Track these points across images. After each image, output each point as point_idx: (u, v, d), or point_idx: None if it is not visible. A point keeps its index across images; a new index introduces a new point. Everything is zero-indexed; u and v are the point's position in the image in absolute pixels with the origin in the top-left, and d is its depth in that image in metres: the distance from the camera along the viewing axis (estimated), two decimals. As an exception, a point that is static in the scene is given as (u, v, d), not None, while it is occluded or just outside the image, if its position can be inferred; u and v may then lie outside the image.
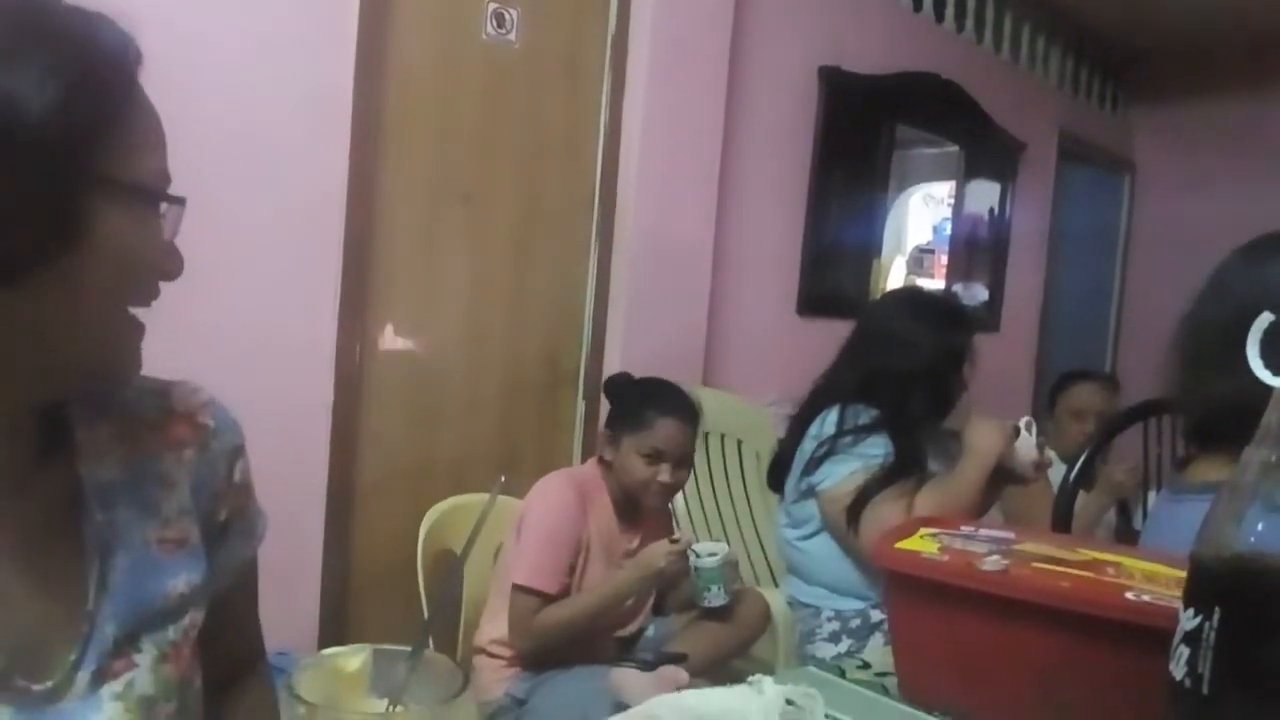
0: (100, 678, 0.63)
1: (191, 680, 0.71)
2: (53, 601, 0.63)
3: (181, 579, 0.69)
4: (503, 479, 0.59)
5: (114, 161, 0.57)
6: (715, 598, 1.88)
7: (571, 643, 1.80)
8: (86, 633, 0.63)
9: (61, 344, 0.59)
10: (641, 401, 1.90)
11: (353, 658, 0.53)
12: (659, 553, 1.79)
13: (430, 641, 0.73)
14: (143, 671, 0.66)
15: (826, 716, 0.61)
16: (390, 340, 2.46)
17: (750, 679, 0.49)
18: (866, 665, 0.95)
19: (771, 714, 0.46)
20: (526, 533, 1.79)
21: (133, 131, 0.59)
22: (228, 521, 0.76)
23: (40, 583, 0.63)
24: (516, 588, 1.75)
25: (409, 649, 0.53)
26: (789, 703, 0.47)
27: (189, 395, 0.75)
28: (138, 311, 0.63)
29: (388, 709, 0.50)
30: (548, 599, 1.75)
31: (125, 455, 0.69)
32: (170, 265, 0.63)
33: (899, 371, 1.88)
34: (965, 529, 0.99)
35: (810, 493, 1.91)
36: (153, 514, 0.69)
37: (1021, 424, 1.84)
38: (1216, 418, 1.07)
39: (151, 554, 0.68)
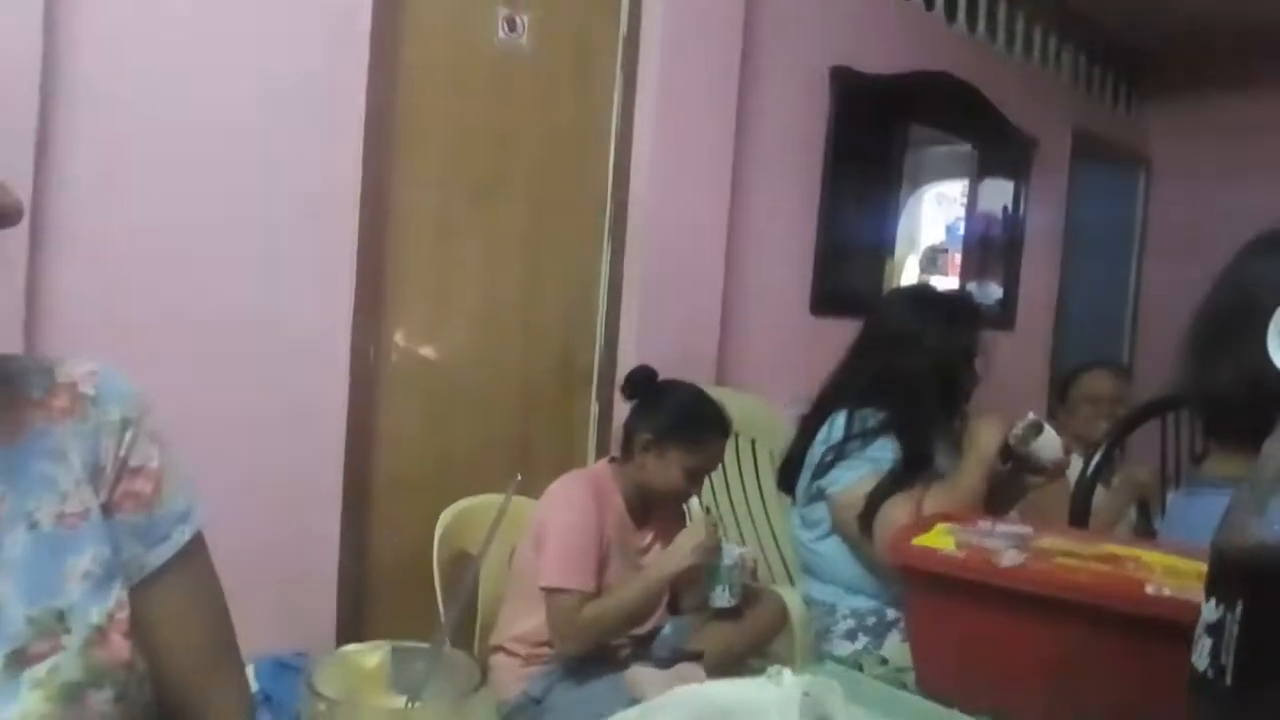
0: (16, 662, 0.61)
1: (130, 666, 0.67)
2: None
3: (87, 555, 0.66)
4: (519, 478, 0.59)
5: None
6: (720, 598, 1.89)
7: (612, 639, 1.80)
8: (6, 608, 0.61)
9: None
10: (693, 416, 1.89)
11: (372, 654, 0.53)
12: (693, 538, 1.80)
13: (448, 638, 0.72)
14: (70, 655, 0.63)
15: (850, 716, 0.60)
16: (405, 339, 2.47)
17: (768, 670, 0.48)
18: (885, 661, 0.95)
19: (790, 705, 0.45)
20: (550, 536, 1.78)
21: None
22: (114, 505, 0.70)
23: None
24: (552, 592, 1.74)
25: (428, 646, 0.53)
26: (806, 694, 0.47)
27: (74, 366, 0.72)
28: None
29: (407, 705, 0.50)
30: (586, 597, 1.75)
31: (14, 432, 0.66)
32: None
33: (907, 370, 1.87)
34: (983, 524, 0.98)
35: (820, 496, 1.90)
36: (49, 489, 0.66)
37: (1029, 419, 1.83)
38: (1231, 411, 1.06)
39: (53, 529, 0.65)
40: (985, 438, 1.80)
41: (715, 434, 1.89)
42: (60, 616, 0.63)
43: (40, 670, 0.61)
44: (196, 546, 0.75)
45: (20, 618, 0.61)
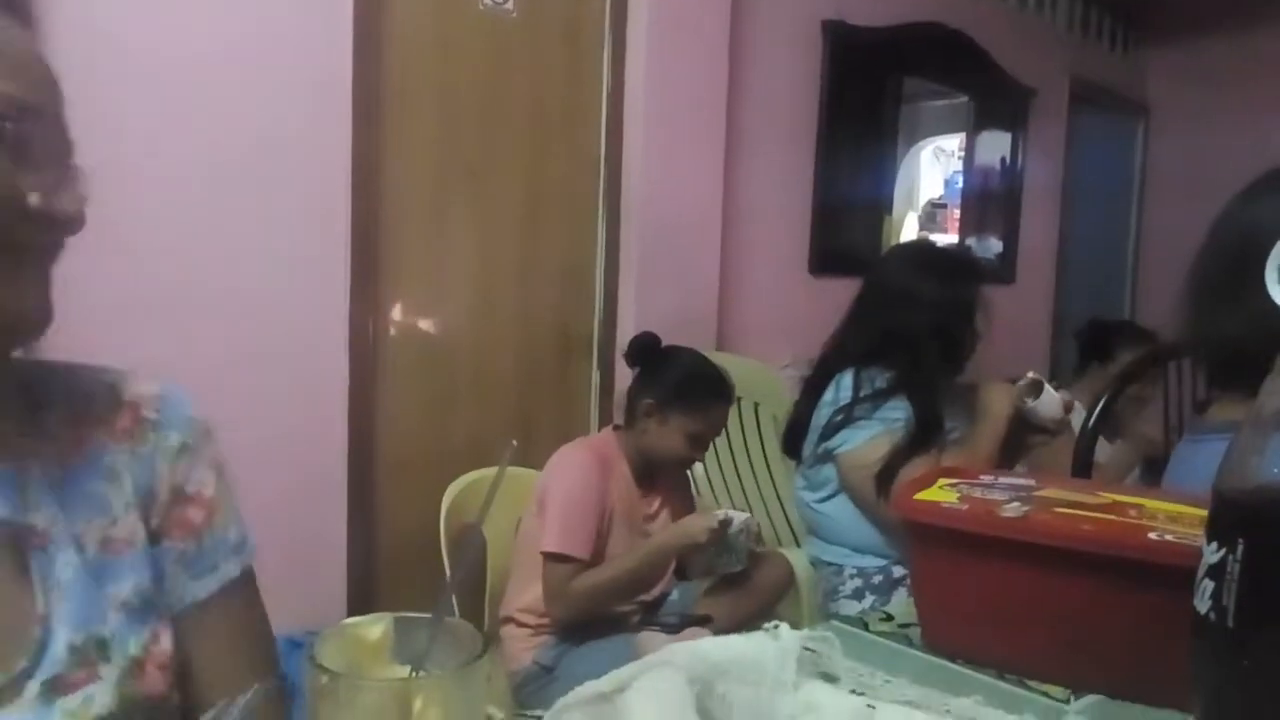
0: (53, 689, 0.59)
1: (164, 701, 0.65)
2: (3, 603, 0.59)
3: (128, 583, 0.64)
4: (514, 444, 0.59)
5: None
6: (727, 564, 1.90)
7: (605, 609, 1.81)
8: (40, 638, 0.59)
9: None
10: (694, 381, 1.89)
11: (374, 626, 0.53)
12: (701, 527, 1.80)
13: (455, 606, 0.72)
14: (105, 686, 0.61)
15: (863, 688, 0.60)
16: (403, 317, 2.46)
17: (766, 626, 0.48)
18: (889, 618, 0.95)
19: (788, 659, 0.45)
20: (551, 502, 1.79)
21: None
22: (162, 531, 0.68)
23: None
24: (549, 556, 1.76)
25: (429, 616, 0.53)
26: (806, 648, 0.47)
27: (140, 385, 0.70)
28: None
29: (410, 675, 0.50)
30: (581, 564, 1.76)
31: (73, 446, 0.65)
32: (33, 202, 0.57)
33: (909, 328, 1.86)
34: (985, 478, 0.98)
35: (828, 457, 1.90)
36: (101, 510, 0.64)
37: (1029, 378, 1.83)
38: (1234, 356, 1.06)
39: (98, 554, 0.63)
40: (997, 402, 1.81)
41: (716, 399, 1.89)
42: (102, 645, 0.61)
43: (75, 700, 0.60)
44: (245, 580, 0.73)
45: (64, 644, 0.60)
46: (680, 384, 1.88)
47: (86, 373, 0.70)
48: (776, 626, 0.48)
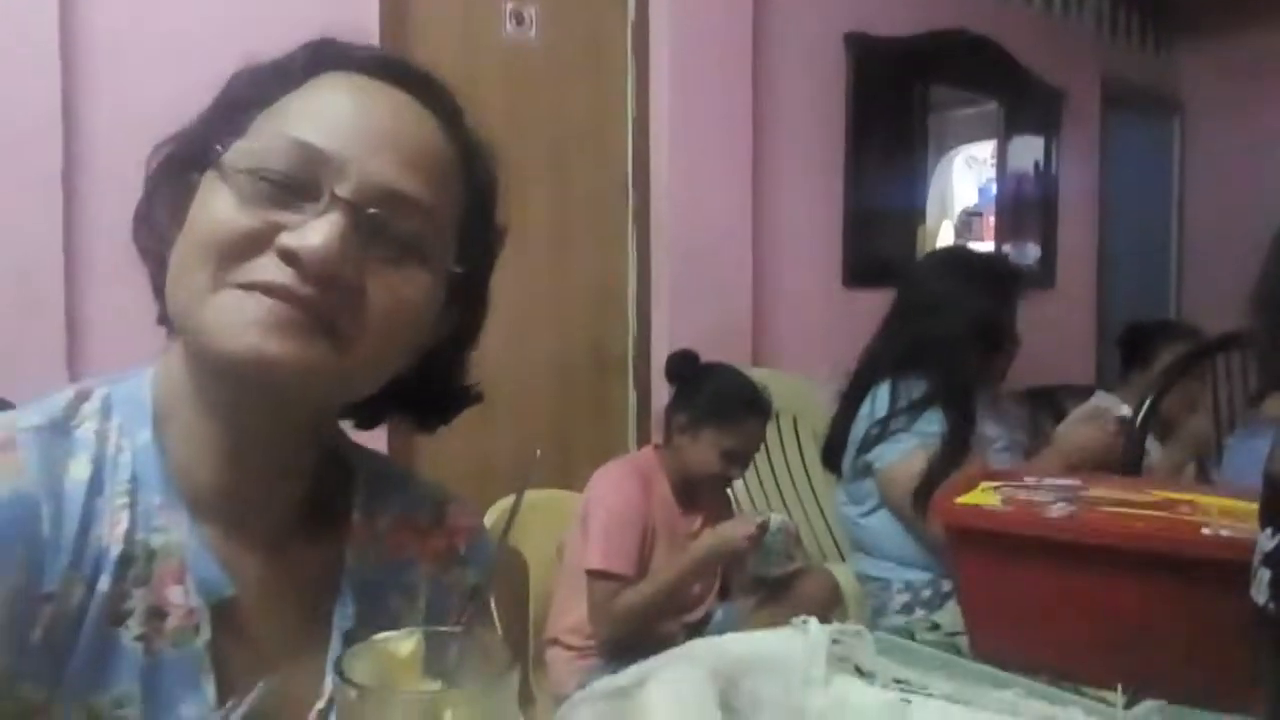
0: None
1: None
2: (294, 691, 0.60)
3: None
4: (538, 453, 0.58)
5: None
6: (765, 566, 1.87)
7: (650, 625, 1.79)
8: None
9: None
10: (727, 396, 1.88)
11: (404, 641, 0.53)
12: (741, 533, 1.78)
13: (495, 614, 0.71)
14: None
15: (896, 682, 0.59)
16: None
17: (794, 621, 0.47)
18: (936, 626, 0.93)
19: (817, 653, 0.44)
20: (594, 521, 1.79)
21: None
22: None
23: (292, 677, 0.60)
24: (592, 574, 1.75)
25: (459, 630, 0.52)
26: (835, 642, 0.45)
27: (460, 513, 0.72)
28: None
29: (439, 689, 0.50)
30: (625, 581, 1.75)
31: (389, 554, 0.66)
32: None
33: (945, 336, 1.83)
34: (1029, 479, 0.96)
35: (868, 471, 1.87)
36: (391, 622, 0.64)
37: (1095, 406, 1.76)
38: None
39: None
40: (1079, 440, 1.75)
41: (749, 415, 1.88)
42: None
43: None
44: None
45: None
46: (712, 399, 1.88)
47: (421, 486, 0.72)
48: (805, 622, 0.46)
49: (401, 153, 0.58)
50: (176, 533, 0.57)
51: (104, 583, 0.54)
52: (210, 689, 0.56)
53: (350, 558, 0.64)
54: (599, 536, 1.77)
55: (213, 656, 0.57)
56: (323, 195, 0.54)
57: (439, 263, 0.60)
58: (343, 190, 0.55)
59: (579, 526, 1.82)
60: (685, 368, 1.96)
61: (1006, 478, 0.97)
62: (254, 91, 0.61)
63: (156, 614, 0.56)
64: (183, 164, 0.60)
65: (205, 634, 0.57)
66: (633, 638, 1.77)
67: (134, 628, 0.55)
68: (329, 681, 0.60)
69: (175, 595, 0.56)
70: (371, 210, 0.55)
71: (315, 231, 0.53)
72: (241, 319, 0.53)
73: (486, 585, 0.71)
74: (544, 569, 1.92)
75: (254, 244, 0.54)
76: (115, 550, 0.55)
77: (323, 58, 0.64)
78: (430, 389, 0.68)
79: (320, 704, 0.60)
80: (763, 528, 1.78)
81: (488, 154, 0.71)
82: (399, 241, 0.57)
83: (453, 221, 0.63)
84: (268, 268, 0.54)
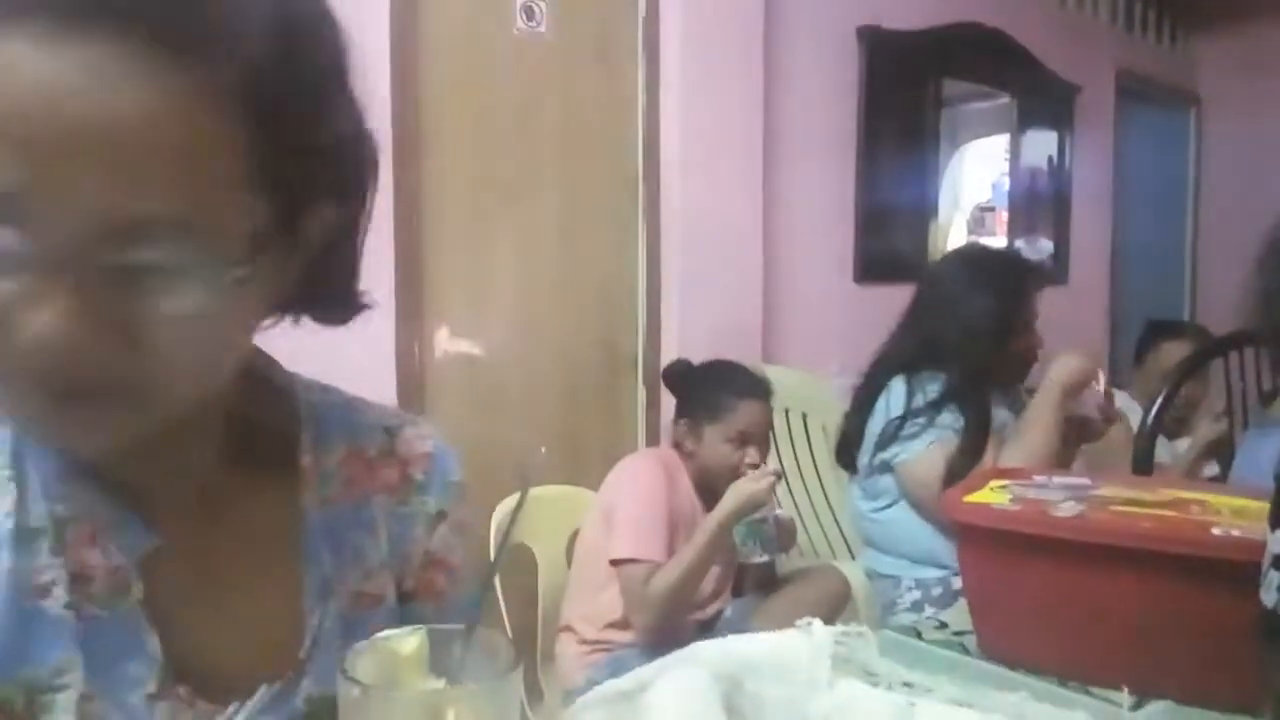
0: None
1: None
2: (265, 647, 0.58)
3: None
4: (543, 450, 0.58)
5: None
6: (751, 553, 1.85)
7: (686, 605, 1.78)
8: (287, 688, 0.58)
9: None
10: (717, 387, 1.89)
11: (409, 639, 0.53)
12: (758, 488, 1.75)
13: (507, 626, 0.71)
14: None
15: (904, 684, 0.58)
16: (448, 340, 2.48)
17: (799, 622, 0.47)
18: (944, 625, 0.92)
19: (822, 656, 0.44)
20: (620, 511, 1.79)
21: None
22: (412, 594, 0.66)
23: (255, 623, 0.58)
24: (623, 563, 1.75)
25: (463, 628, 0.52)
26: (839, 643, 0.45)
27: (414, 440, 0.68)
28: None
29: (443, 687, 0.50)
30: (655, 566, 1.74)
31: (345, 490, 0.63)
32: None
33: (963, 334, 1.82)
34: (1038, 478, 0.95)
35: (886, 467, 1.87)
36: (357, 561, 0.62)
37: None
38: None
39: (352, 607, 0.61)
40: (1058, 368, 1.74)
41: (741, 398, 1.88)
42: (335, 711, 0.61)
43: None
44: None
45: (301, 700, 0.58)
46: (703, 397, 1.90)
47: (369, 413, 0.67)
48: (810, 623, 0.46)
49: (123, 152, 0.41)
50: (85, 496, 0.55)
51: (4, 559, 0.52)
52: (154, 643, 0.55)
53: (306, 500, 0.61)
54: (627, 525, 1.77)
55: (153, 611, 0.55)
56: (22, 259, 0.41)
57: (224, 260, 0.45)
58: (46, 246, 0.41)
59: (600, 519, 1.82)
60: (679, 377, 1.99)
61: (1016, 476, 0.97)
62: None
63: (80, 579, 0.54)
64: None
65: (137, 591, 0.55)
66: (670, 621, 1.75)
67: (60, 596, 0.53)
68: (309, 627, 0.59)
69: (93, 557, 0.54)
70: (99, 262, 0.42)
71: (27, 325, 0.41)
72: (22, 411, 0.47)
73: (453, 509, 0.69)
74: (555, 565, 1.93)
75: None
76: (8, 525, 0.53)
77: None
78: (315, 294, 0.60)
79: (302, 652, 0.58)
80: (777, 475, 1.79)
81: (285, 28, 0.47)
82: (153, 271, 0.43)
83: (234, 187, 0.45)
84: (8, 356, 0.43)
